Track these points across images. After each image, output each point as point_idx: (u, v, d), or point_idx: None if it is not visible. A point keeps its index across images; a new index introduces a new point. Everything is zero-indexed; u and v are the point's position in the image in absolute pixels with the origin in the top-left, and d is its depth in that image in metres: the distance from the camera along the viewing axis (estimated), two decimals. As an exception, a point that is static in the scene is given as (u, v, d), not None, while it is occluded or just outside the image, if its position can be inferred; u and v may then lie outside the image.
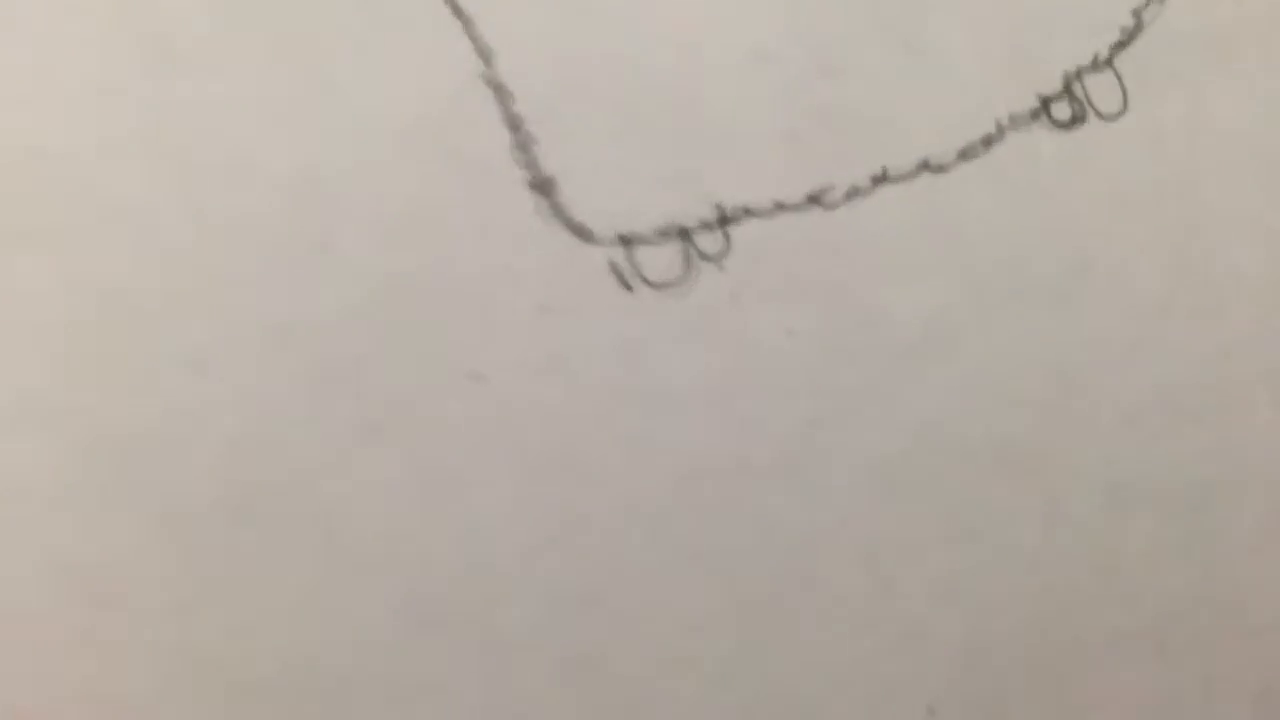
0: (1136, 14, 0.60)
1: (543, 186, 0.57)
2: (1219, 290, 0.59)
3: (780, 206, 0.57)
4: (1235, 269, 0.59)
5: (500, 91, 0.57)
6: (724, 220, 0.57)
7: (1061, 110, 0.59)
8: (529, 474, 0.55)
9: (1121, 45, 0.60)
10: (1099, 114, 0.59)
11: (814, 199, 0.58)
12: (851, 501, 0.56)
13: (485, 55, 0.57)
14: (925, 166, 0.58)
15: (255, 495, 0.54)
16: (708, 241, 0.57)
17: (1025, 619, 0.57)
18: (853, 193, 0.58)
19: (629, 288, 0.57)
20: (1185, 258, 0.59)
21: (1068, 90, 0.59)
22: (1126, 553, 0.56)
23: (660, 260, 0.58)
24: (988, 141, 0.58)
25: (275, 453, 0.54)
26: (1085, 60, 0.60)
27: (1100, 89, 0.59)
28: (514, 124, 0.57)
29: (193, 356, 0.55)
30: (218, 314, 0.55)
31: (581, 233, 0.57)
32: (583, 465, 0.55)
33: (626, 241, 0.57)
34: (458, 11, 0.57)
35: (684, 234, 0.57)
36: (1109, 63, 0.59)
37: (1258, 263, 0.59)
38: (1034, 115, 0.59)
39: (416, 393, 0.55)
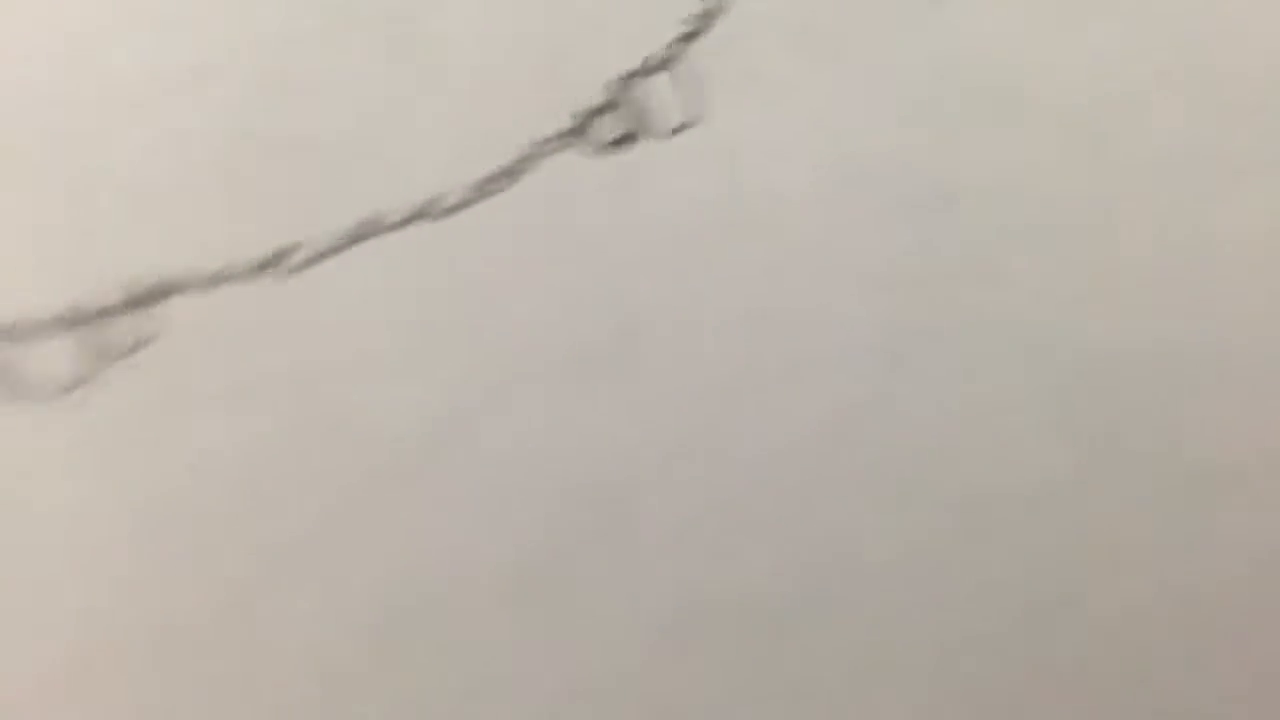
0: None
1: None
2: (809, 359, 0.46)
3: (221, 278, 0.41)
4: (828, 318, 0.46)
5: None
6: (141, 300, 0.41)
7: (607, 127, 0.43)
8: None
9: (687, 39, 0.43)
10: (654, 130, 0.43)
11: (268, 264, 0.41)
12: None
13: None
14: (426, 212, 0.42)
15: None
16: (119, 330, 0.41)
17: None
18: (324, 252, 0.41)
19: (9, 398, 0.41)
20: (764, 316, 0.47)
21: (614, 102, 0.43)
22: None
23: (54, 358, 0.40)
24: (510, 174, 0.43)
25: None
26: (636, 63, 0.43)
27: (658, 98, 0.43)
28: None
29: None
30: None
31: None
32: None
33: (5, 335, 0.40)
34: None
35: (85, 321, 0.40)
36: (668, 64, 0.43)
37: (857, 307, 0.46)
38: (571, 136, 0.43)
39: None
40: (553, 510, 0.45)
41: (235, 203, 0.43)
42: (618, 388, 0.45)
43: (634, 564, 0.45)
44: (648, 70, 0.45)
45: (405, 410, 0.44)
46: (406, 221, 0.44)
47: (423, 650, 0.44)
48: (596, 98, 0.45)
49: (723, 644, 0.45)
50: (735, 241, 0.46)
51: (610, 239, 0.45)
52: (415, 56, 0.43)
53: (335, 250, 0.43)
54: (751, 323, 0.46)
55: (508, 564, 0.45)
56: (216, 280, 0.43)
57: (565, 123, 0.45)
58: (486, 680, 0.44)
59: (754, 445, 0.46)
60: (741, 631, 0.46)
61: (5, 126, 0.42)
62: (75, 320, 0.42)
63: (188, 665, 0.43)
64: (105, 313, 0.42)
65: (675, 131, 0.45)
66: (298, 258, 0.43)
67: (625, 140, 0.45)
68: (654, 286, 0.45)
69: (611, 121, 0.45)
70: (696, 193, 0.45)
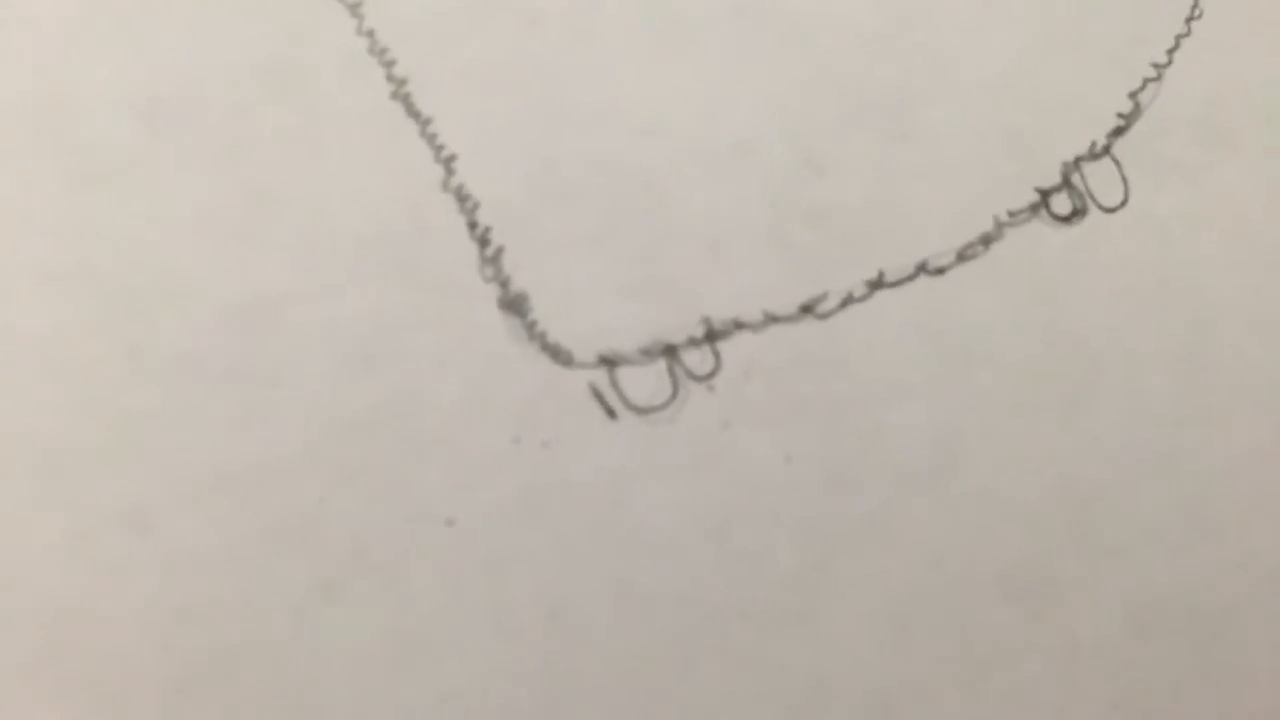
0: (1134, 97, 0.55)
1: (514, 304, 0.51)
2: (1232, 391, 0.56)
3: (771, 318, 0.52)
4: (1247, 366, 0.56)
5: (464, 199, 0.51)
6: (712, 335, 0.52)
7: (1061, 203, 0.55)
8: (509, 627, 0.49)
9: (1119, 132, 0.55)
10: (1100, 205, 0.54)
11: (807, 308, 0.52)
12: (861, 643, 0.51)
13: (445, 160, 0.50)
14: (923, 269, 0.53)
15: (207, 667, 0.48)
16: (696, 359, 0.52)
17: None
18: (848, 300, 0.53)
19: (613, 414, 0.50)
20: (1196, 357, 0.56)
21: (1066, 182, 0.54)
22: (1150, 681, 0.53)
23: (645, 382, 0.51)
24: (986, 240, 0.54)
25: (228, 617, 0.48)
26: (1083, 149, 0.55)
27: (1100, 178, 0.55)
28: (480, 236, 0.50)
29: (131, 512, 0.48)
30: (158, 463, 0.48)
31: (558, 355, 0.51)
32: (567, 615, 0.50)
33: (608, 363, 0.51)
34: (413, 112, 0.50)
35: (670, 352, 0.51)
36: (1107, 151, 0.55)
37: (1270, 358, 0.55)
38: (1033, 209, 0.54)
39: (382, 542, 0.49)
40: (1032, 517, 0.55)
41: (779, 259, 0.55)
42: (1080, 415, 0.56)
43: (1099, 565, 0.55)
44: (1092, 156, 0.57)
45: (917, 431, 0.55)
46: (907, 279, 0.56)
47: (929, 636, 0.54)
48: (1054, 178, 0.57)
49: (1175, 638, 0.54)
50: (1164, 297, 0.57)
51: (1067, 295, 0.57)
52: (914, 140, 0.56)
53: (856, 299, 0.56)
54: (1185, 361, 0.57)
55: (1002, 565, 0.55)
56: (767, 321, 0.55)
57: (1030, 198, 0.57)
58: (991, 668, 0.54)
59: (1201, 459, 0.56)
60: (1188, 625, 0.55)
61: (613, 191, 0.55)
62: (661, 351, 0.54)
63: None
64: (686, 345, 0.54)
65: (1114, 209, 0.57)
66: (827, 305, 0.55)
67: (1076, 215, 0.57)
68: (1104, 332, 0.57)
69: (1065, 198, 0.57)
70: (1133, 257, 0.57)
